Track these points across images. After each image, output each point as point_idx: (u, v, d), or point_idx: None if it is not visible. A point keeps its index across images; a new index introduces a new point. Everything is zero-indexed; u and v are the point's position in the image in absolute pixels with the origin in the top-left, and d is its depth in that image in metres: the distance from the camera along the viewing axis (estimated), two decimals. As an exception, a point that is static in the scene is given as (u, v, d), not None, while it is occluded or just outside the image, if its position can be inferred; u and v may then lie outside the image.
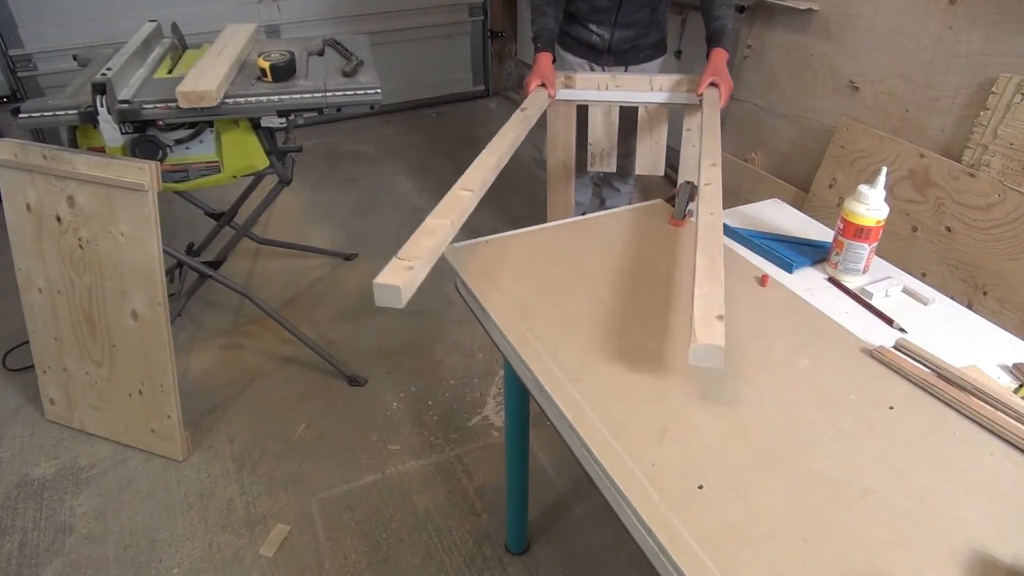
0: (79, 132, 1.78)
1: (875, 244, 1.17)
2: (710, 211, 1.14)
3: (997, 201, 1.84)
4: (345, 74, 1.94)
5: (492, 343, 1.13)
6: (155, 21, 2.14)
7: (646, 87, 2.00)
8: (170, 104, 1.70)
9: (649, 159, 2.16)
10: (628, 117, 2.12)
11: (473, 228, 3.03)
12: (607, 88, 2.02)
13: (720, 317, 0.93)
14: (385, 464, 1.87)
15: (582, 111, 2.10)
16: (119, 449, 1.92)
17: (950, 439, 0.87)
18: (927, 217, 2.00)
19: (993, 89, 1.84)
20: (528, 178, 3.39)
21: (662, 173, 2.19)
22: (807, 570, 0.71)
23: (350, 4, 3.86)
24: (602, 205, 2.55)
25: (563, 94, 2.03)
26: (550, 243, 1.29)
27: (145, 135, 1.75)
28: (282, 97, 1.79)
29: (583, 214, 1.92)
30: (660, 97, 2.00)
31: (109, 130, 1.69)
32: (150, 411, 1.86)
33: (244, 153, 1.89)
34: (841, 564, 0.72)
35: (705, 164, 1.30)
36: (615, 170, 2.23)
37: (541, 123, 1.92)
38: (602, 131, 2.13)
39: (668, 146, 2.10)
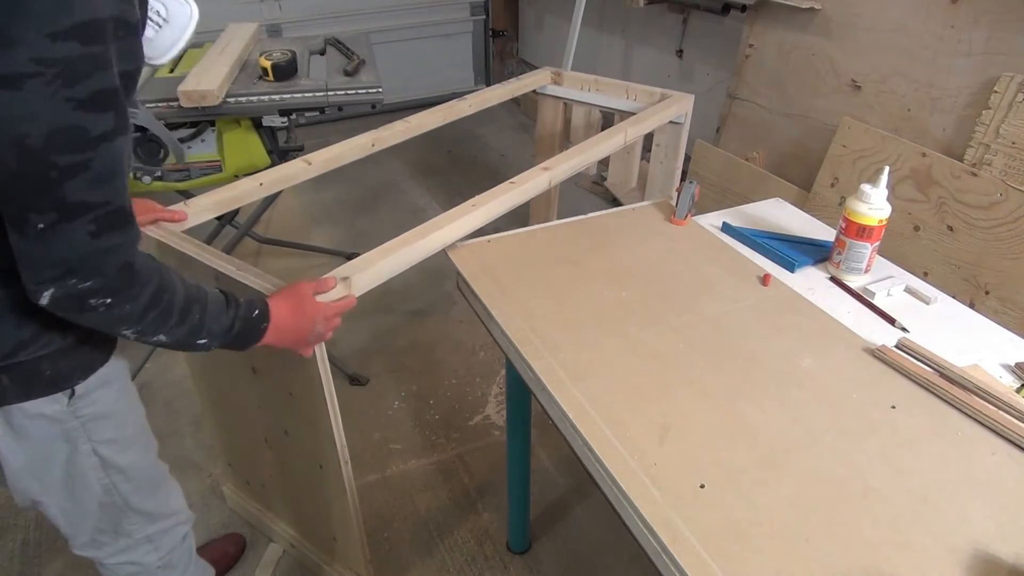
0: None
1: (877, 243, 1.17)
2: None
3: (999, 200, 1.84)
4: (347, 73, 1.94)
5: (493, 342, 1.13)
6: (157, 20, 2.14)
7: (622, 95, 1.98)
8: (172, 103, 1.70)
9: (620, 170, 2.12)
10: None
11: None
12: (588, 90, 2.01)
13: (345, 279, 1.15)
14: (387, 463, 1.87)
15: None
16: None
17: (952, 438, 0.87)
18: (929, 216, 2.00)
19: (995, 88, 1.84)
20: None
21: (633, 185, 2.17)
22: (809, 569, 0.71)
23: (352, 3, 3.86)
24: None
25: (550, 90, 2.03)
26: (552, 242, 1.29)
27: (147, 134, 1.75)
28: (284, 96, 1.80)
29: None
30: (634, 107, 1.96)
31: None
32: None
33: (246, 152, 1.90)
34: (843, 563, 0.72)
35: (539, 166, 1.49)
36: (594, 172, 2.23)
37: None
38: (582, 133, 2.13)
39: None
